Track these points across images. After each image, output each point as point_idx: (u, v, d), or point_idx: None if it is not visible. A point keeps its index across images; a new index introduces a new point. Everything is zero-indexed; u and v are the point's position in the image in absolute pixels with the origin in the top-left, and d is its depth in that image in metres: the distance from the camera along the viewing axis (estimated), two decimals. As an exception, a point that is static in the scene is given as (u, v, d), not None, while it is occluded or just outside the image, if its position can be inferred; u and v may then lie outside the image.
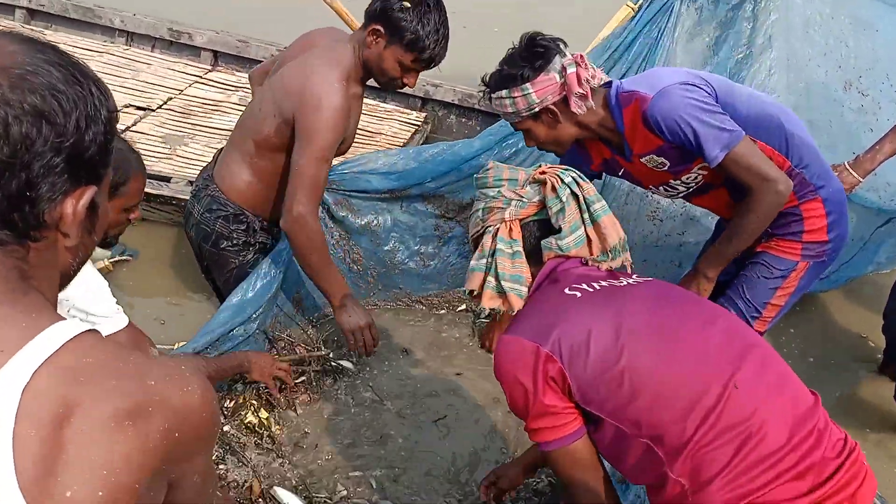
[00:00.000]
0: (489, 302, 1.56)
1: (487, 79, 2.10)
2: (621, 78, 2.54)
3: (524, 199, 1.58)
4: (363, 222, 2.84)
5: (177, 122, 3.80)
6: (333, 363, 2.43)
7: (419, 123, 4.11)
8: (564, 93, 2.01)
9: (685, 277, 2.24)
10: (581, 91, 2.00)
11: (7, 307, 0.81)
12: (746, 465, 1.26)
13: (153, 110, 3.85)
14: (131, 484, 0.79)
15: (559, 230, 1.54)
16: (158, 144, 3.62)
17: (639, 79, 2.12)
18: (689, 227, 3.03)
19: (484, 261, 1.57)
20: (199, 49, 4.40)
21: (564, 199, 1.53)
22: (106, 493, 0.77)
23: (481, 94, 2.12)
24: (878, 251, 3.31)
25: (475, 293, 1.59)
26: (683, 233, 3.05)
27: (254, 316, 2.35)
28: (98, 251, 2.54)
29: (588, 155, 2.27)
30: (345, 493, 2.03)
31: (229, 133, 2.58)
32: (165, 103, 3.91)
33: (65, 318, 0.83)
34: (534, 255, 1.57)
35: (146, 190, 3.06)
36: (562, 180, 1.55)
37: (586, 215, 1.56)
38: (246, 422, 2.19)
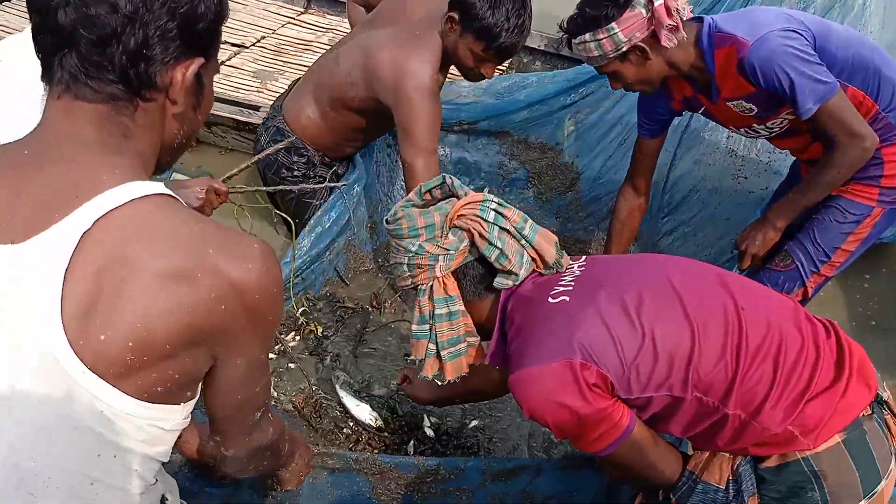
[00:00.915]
0: (430, 371, 1.56)
1: (566, 24, 2.01)
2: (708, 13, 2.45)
3: (451, 252, 1.49)
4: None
5: (269, 59, 3.96)
6: None
7: (503, 69, 4.08)
8: (653, 27, 1.94)
9: (753, 224, 2.25)
10: (671, 23, 1.92)
11: (98, 158, 0.85)
12: (787, 371, 1.33)
13: (247, 47, 4.02)
14: (162, 343, 0.82)
15: (509, 273, 1.50)
16: (250, 79, 3.80)
17: (735, 19, 2.02)
18: (773, 180, 2.94)
19: (426, 327, 1.54)
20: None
21: (498, 242, 1.48)
22: (135, 345, 0.81)
23: (561, 41, 2.06)
24: None
25: (418, 361, 1.57)
26: (767, 187, 2.98)
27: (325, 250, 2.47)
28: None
29: (670, 91, 2.24)
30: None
31: None
32: (259, 41, 4.07)
33: (149, 180, 0.87)
34: (481, 291, 1.55)
35: (236, 117, 3.28)
36: (486, 221, 1.48)
37: (523, 241, 1.51)
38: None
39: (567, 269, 1.54)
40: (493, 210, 1.50)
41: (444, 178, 1.55)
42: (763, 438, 1.34)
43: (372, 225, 2.83)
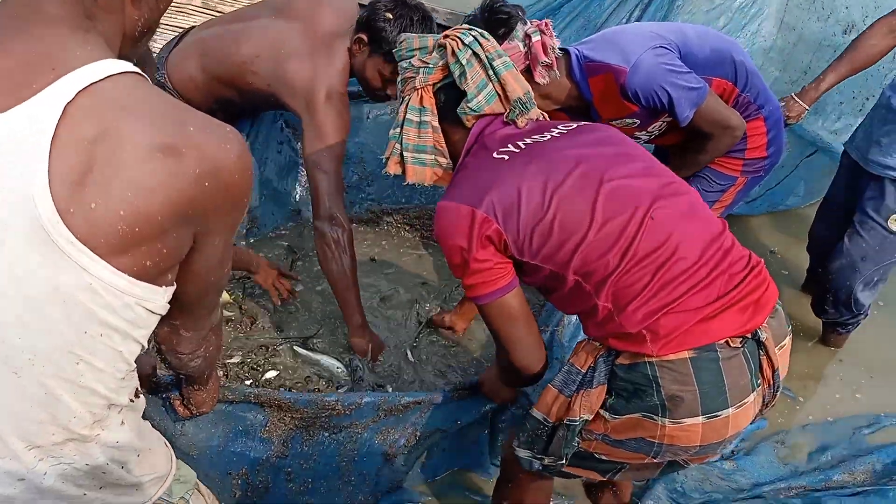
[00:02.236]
0: (393, 168, 1.69)
1: None
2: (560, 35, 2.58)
3: (430, 66, 1.63)
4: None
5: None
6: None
7: None
8: (527, 62, 1.97)
9: None
10: (547, 60, 1.96)
11: (66, 32, 0.84)
12: (662, 283, 1.43)
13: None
14: (153, 214, 0.82)
15: (465, 94, 1.60)
16: None
17: (602, 46, 2.08)
18: None
19: (397, 130, 1.67)
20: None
21: (465, 61, 1.58)
22: (127, 214, 0.81)
23: None
24: (798, 184, 3.60)
25: (386, 160, 1.70)
26: None
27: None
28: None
29: None
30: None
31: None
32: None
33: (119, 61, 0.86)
34: (454, 121, 1.65)
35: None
36: (462, 42, 1.59)
37: (490, 72, 1.60)
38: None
39: (537, 128, 1.63)
40: (473, 36, 1.61)
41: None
42: (620, 333, 1.46)
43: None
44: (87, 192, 0.79)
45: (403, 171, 1.69)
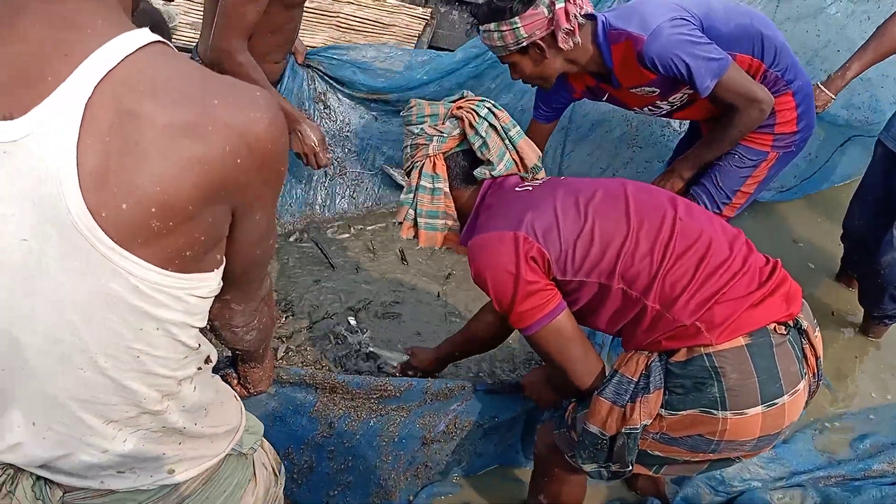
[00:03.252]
0: (406, 232, 1.76)
1: (476, 10, 2.08)
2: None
3: (444, 135, 1.69)
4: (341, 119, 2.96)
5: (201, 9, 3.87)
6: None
7: (427, 18, 4.14)
8: (552, 28, 2.01)
9: (660, 175, 2.45)
10: (569, 27, 2.00)
11: (75, 5, 0.78)
12: (706, 274, 1.46)
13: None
14: (184, 203, 0.77)
15: (488, 162, 1.68)
16: (187, 30, 3.73)
17: (626, 14, 2.11)
18: (666, 154, 3.17)
19: (410, 195, 1.73)
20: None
21: (483, 132, 1.66)
22: (158, 210, 0.76)
23: (469, 25, 2.09)
24: (834, 170, 3.57)
25: (399, 223, 1.77)
26: (662, 161, 3.19)
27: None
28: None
29: (570, 86, 2.38)
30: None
31: None
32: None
33: (135, 27, 0.80)
34: (467, 180, 1.73)
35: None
36: (478, 115, 1.68)
37: (507, 141, 1.69)
38: None
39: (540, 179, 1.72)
40: (487, 108, 1.70)
41: (463, 92, 1.77)
42: (674, 331, 1.46)
43: None
44: (114, 192, 0.75)
45: (416, 236, 1.76)
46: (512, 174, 1.72)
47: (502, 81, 2.96)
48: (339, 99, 2.94)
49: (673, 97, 2.25)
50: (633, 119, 3.18)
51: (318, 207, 3.01)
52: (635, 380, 1.51)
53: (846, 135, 3.41)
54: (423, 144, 1.71)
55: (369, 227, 2.99)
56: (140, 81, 0.76)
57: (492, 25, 2.03)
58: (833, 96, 2.56)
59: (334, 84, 2.87)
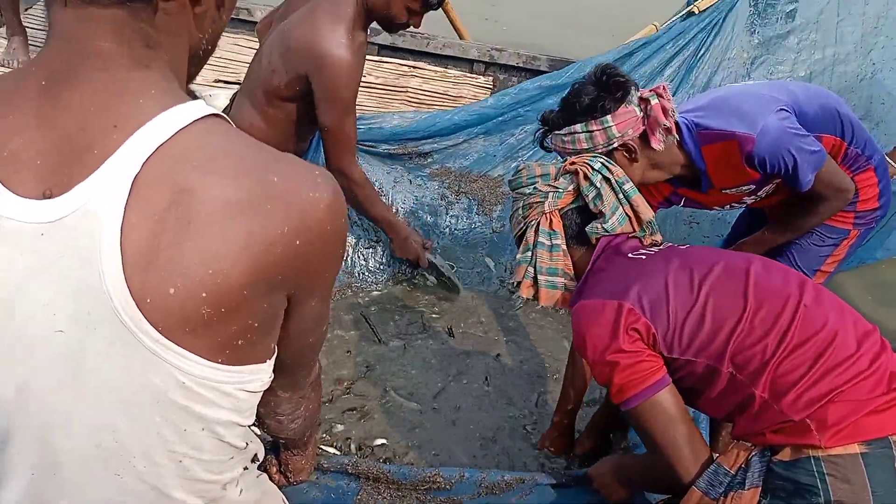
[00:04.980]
0: (526, 292, 1.69)
1: (551, 115, 1.90)
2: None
3: (560, 190, 1.67)
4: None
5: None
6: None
7: (491, 87, 4.22)
8: (644, 127, 1.86)
9: None
10: (667, 123, 1.84)
11: (124, 73, 0.73)
12: (825, 370, 1.33)
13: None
14: (238, 288, 0.71)
15: (600, 214, 1.63)
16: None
17: (718, 113, 1.95)
18: (724, 229, 3.05)
19: (528, 254, 1.68)
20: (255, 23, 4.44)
21: (598, 184, 1.64)
22: (210, 295, 0.70)
23: (536, 137, 1.96)
24: (889, 235, 3.42)
25: (517, 283, 1.71)
26: (720, 235, 3.07)
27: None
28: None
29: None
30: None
31: None
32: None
33: (190, 99, 0.76)
34: (581, 240, 1.67)
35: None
36: (592, 168, 1.66)
37: (620, 195, 1.65)
38: None
39: (662, 244, 1.67)
40: (601, 162, 1.69)
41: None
42: (781, 425, 1.34)
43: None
44: (161, 275, 0.69)
45: (536, 295, 1.69)
46: (629, 235, 1.65)
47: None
48: (369, 163, 2.88)
49: (762, 190, 2.11)
50: None
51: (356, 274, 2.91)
52: (732, 472, 1.39)
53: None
54: (537, 203, 1.68)
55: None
56: (194, 156, 0.71)
57: (578, 127, 1.83)
58: None
59: (364, 148, 2.82)
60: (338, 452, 2.07)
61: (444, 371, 2.48)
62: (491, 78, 4.28)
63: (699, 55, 3.03)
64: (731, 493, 1.36)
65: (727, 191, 2.07)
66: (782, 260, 2.26)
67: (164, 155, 0.69)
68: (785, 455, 1.33)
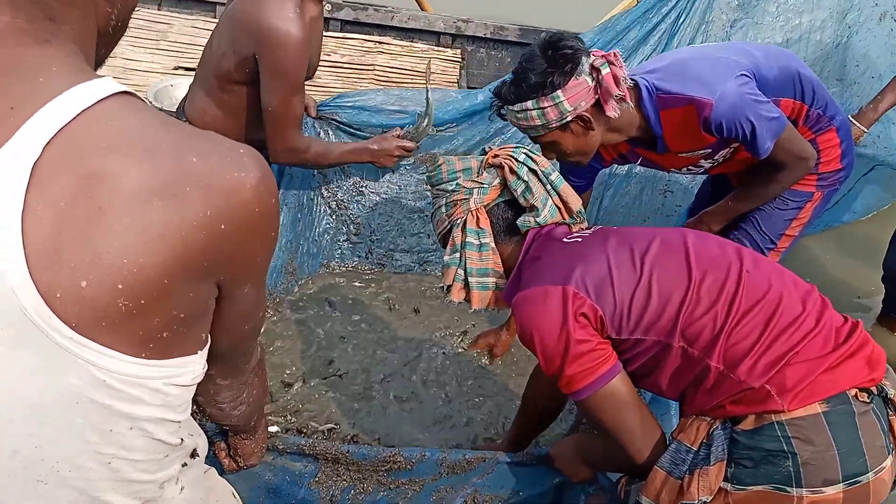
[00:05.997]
0: (457, 295, 1.62)
1: (502, 90, 1.87)
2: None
3: (485, 186, 1.60)
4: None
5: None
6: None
7: (459, 59, 4.16)
8: (597, 96, 1.83)
9: (688, 224, 2.30)
10: (620, 93, 1.82)
11: (23, 49, 0.67)
12: (776, 332, 1.32)
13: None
14: (157, 277, 0.66)
15: (531, 208, 1.57)
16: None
17: (678, 77, 1.92)
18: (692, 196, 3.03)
19: (456, 255, 1.60)
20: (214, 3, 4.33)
21: (525, 177, 1.57)
22: (126, 286, 0.64)
23: (493, 108, 1.93)
24: (855, 199, 3.44)
25: (448, 287, 1.63)
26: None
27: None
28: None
29: (600, 155, 2.19)
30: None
31: None
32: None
33: (99, 76, 0.69)
34: (511, 232, 1.61)
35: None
36: (517, 160, 1.59)
37: (549, 187, 1.59)
38: None
39: (588, 227, 1.62)
40: (525, 153, 1.61)
41: (484, 148, 1.67)
42: (740, 394, 1.32)
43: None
44: (73, 267, 0.62)
45: (467, 297, 1.63)
46: (558, 223, 1.60)
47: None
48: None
49: (719, 155, 2.09)
50: None
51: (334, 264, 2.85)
52: (695, 449, 1.37)
53: (869, 164, 3.27)
54: (462, 199, 1.60)
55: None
56: (102, 137, 0.64)
57: (529, 104, 1.81)
58: (866, 130, 2.49)
59: (350, 131, 2.72)
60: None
61: (405, 351, 2.46)
62: (459, 50, 4.23)
63: (680, 21, 2.99)
64: (697, 471, 1.34)
65: (683, 154, 2.06)
66: (747, 226, 2.26)
67: (68, 137, 0.63)
68: (748, 424, 1.32)
